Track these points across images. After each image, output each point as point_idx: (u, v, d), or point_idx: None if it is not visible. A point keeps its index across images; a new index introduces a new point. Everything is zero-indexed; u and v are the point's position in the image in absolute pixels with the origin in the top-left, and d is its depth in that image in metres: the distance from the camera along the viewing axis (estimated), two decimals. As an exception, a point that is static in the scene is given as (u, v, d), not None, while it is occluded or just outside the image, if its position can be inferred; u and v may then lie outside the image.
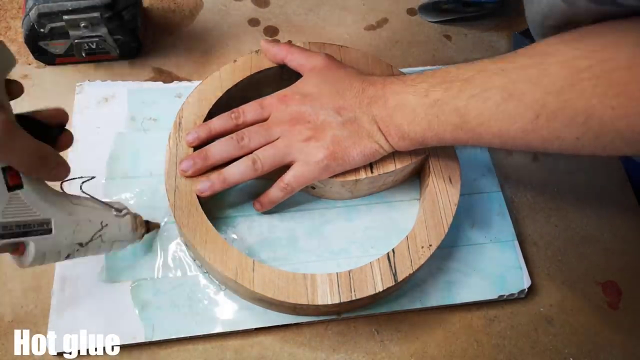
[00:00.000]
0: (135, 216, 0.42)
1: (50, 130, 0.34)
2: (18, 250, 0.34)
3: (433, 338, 0.45)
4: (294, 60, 0.47)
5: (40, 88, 0.52)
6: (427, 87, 0.39)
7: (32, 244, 0.34)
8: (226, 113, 0.45)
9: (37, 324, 0.42)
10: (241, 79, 0.48)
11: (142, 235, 0.43)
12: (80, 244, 0.36)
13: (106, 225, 0.38)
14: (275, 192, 0.44)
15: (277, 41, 0.49)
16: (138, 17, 0.53)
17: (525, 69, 0.35)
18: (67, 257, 0.36)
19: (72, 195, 0.37)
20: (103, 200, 0.40)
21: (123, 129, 0.50)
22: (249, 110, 0.44)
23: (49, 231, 0.34)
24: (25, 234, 0.33)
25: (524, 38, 0.60)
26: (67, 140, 0.36)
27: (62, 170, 0.34)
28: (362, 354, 0.44)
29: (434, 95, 0.39)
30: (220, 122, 0.44)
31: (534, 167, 0.54)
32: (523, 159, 0.54)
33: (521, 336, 0.46)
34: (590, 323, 0.47)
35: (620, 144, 0.32)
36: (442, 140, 0.40)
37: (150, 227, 0.44)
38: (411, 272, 0.42)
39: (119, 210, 0.40)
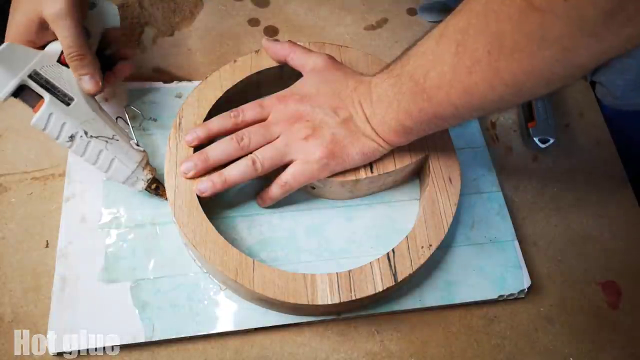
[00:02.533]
0: (149, 165, 0.45)
1: (111, 58, 0.45)
2: (36, 106, 0.41)
3: (433, 338, 0.45)
4: (296, 59, 0.47)
5: None
6: (393, 67, 0.41)
7: (48, 101, 0.40)
8: (225, 113, 0.45)
9: (37, 324, 0.42)
10: (241, 79, 0.48)
11: (146, 184, 0.44)
12: (86, 133, 0.41)
13: (117, 140, 0.43)
14: (274, 190, 0.45)
15: (278, 41, 0.49)
16: None
17: (447, 22, 0.35)
18: (69, 139, 0.41)
19: (104, 110, 0.45)
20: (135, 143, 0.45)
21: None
22: (248, 110, 0.45)
23: (67, 104, 0.41)
24: (49, 91, 0.41)
25: None
26: (123, 69, 0.47)
27: (88, 81, 0.42)
28: (362, 353, 0.44)
29: (396, 72, 0.40)
30: (219, 122, 0.45)
31: (534, 167, 0.54)
32: (523, 159, 0.54)
33: (521, 336, 0.45)
34: (590, 323, 0.47)
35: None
36: (413, 118, 0.40)
37: (160, 188, 0.45)
38: (411, 272, 0.42)
39: (137, 145, 0.45)
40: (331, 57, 0.47)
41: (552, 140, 0.53)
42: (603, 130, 0.57)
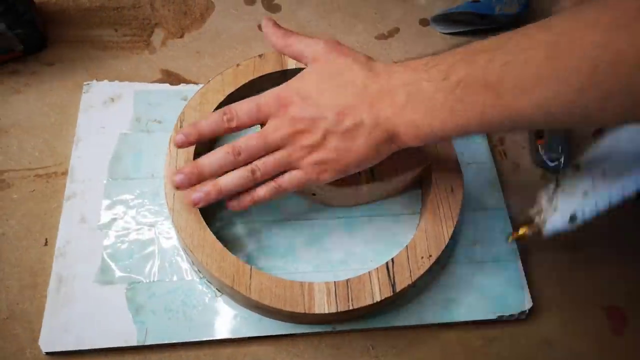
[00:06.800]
0: None
1: None
2: None
3: (429, 356, 0.44)
4: (293, 50, 0.42)
5: (48, 85, 0.52)
6: (446, 68, 0.35)
7: None
8: (218, 112, 0.40)
9: (32, 322, 0.42)
10: (244, 83, 0.48)
11: None
12: None
13: None
14: (263, 190, 0.41)
15: (278, 26, 0.44)
16: (32, 8, 0.52)
17: (576, 16, 0.30)
18: None
19: None
20: None
21: (127, 129, 0.50)
22: (243, 112, 0.40)
23: None
24: None
25: None
26: None
27: None
28: (356, 368, 0.43)
29: (455, 76, 0.34)
30: (210, 125, 0.40)
31: (541, 185, 0.52)
32: (531, 177, 0.53)
33: (521, 358, 0.44)
34: (593, 349, 0.45)
35: None
36: (467, 129, 0.35)
37: None
38: (410, 282, 0.41)
39: None
40: (331, 42, 0.41)
41: (561, 159, 0.52)
42: (614, 152, 0.56)
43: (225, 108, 0.40)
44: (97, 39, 0.56)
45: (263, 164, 0.40)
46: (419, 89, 0.36)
